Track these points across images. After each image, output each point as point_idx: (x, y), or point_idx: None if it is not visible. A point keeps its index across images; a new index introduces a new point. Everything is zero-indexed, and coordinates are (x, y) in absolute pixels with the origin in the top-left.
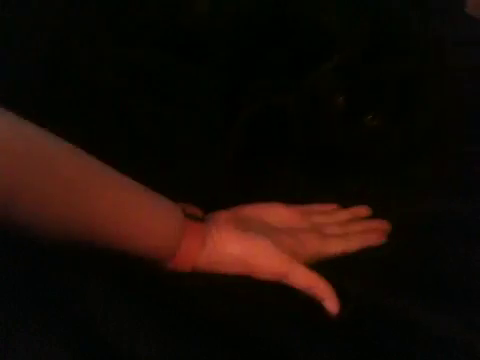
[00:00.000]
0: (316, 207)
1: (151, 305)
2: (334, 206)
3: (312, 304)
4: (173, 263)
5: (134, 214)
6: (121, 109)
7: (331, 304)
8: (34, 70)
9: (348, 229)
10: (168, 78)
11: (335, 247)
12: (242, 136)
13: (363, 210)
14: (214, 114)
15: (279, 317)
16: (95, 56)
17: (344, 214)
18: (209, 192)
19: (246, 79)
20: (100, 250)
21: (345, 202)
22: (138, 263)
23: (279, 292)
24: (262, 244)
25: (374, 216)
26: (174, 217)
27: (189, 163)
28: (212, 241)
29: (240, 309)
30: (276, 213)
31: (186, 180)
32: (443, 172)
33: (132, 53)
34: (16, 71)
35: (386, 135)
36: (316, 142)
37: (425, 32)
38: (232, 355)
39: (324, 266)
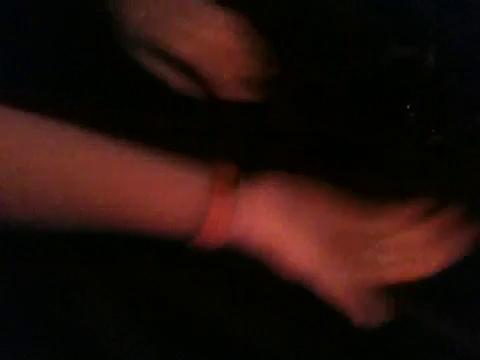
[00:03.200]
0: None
1: (144, 312)
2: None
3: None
4: (199, 239)
5: (143, 191)
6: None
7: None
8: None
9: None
10: None
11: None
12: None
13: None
14: None
15: (279, 331)
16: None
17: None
18: None
19: None
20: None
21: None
22: (134, 270)
23: (283, 303)
24: (301, 238)
25: None
26: (195, 190)
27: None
28: (249, 212)
29: (241, 321)
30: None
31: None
32: None
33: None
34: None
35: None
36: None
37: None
38: None
39: None
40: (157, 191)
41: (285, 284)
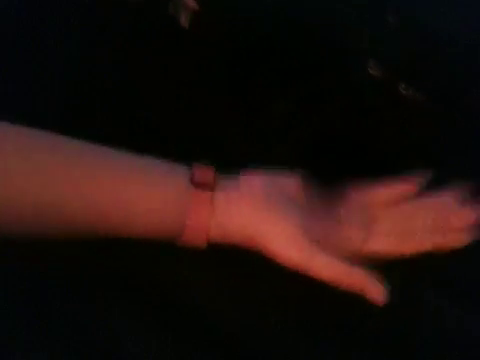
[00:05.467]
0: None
1: (149, 306)
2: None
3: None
4: (183, 239)
5: (125, 194)
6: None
7: (373, 292)
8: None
9: (408, 225)
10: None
11: (380, 246)
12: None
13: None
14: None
15: (284, 329)
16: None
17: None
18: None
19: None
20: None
21: None
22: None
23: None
24: (281, 227)
25: None
26: (174, 190)
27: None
28: (226, 211)
29: (241, 318)
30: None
31: None
32: None
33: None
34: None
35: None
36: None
37: None
38: None
39: None
40: (135, 193)
41: (287, 281)
